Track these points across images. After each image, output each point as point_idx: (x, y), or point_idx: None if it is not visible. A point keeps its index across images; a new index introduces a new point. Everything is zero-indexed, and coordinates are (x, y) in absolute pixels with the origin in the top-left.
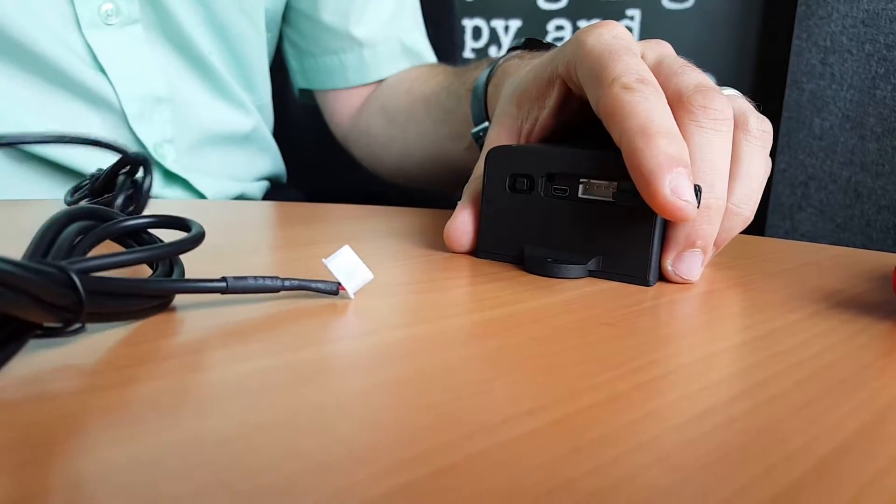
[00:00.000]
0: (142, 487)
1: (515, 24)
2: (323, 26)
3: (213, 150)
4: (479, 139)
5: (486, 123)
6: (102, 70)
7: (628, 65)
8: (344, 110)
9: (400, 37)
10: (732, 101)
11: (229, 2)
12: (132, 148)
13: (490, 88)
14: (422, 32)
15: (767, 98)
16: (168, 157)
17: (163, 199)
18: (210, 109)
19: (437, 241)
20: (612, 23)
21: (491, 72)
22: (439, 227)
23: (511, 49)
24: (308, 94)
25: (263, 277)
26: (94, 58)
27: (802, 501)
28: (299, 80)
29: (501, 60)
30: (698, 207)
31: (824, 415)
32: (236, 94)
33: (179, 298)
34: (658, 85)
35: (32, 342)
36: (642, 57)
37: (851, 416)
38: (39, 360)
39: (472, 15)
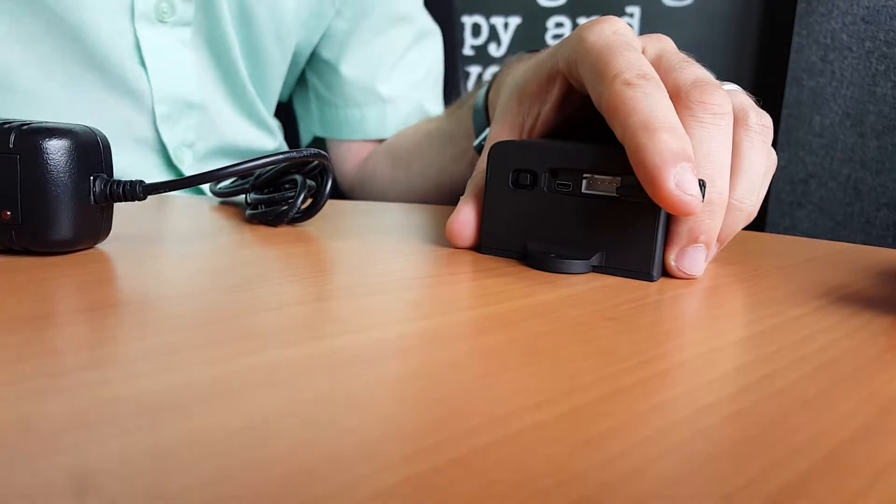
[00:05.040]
0: (150, 479)
1: (515, 21)
2: (349, 79)
3: (228, 161)
4: (481, 151)
5: (488, 131)
6: (143, 65)
7: (630, 60)
8: (354, 159)
9: (422, 102)
10: (732, 95)
11: (270, 26)
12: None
13: (491, 95)
14: (440, 102)
15: (767, 95)
16: (185, 161)
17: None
18: (233, 124)
19: (439, 237)
20: (612, 18)
21: (491, 83)
22: (441, 223)
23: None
24: (317, 143)
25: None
26: (139, 52)
27: (811, 493)
28: (316, 129)
29: (502, 68)
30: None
31: (831, 408)
32: (262, 116)
33: (186, 292)
34: (660, 80)
35: (38, 341)
36: (643, 52)
37: (858, 410)
38: (47, 352)
39: (471, 12)
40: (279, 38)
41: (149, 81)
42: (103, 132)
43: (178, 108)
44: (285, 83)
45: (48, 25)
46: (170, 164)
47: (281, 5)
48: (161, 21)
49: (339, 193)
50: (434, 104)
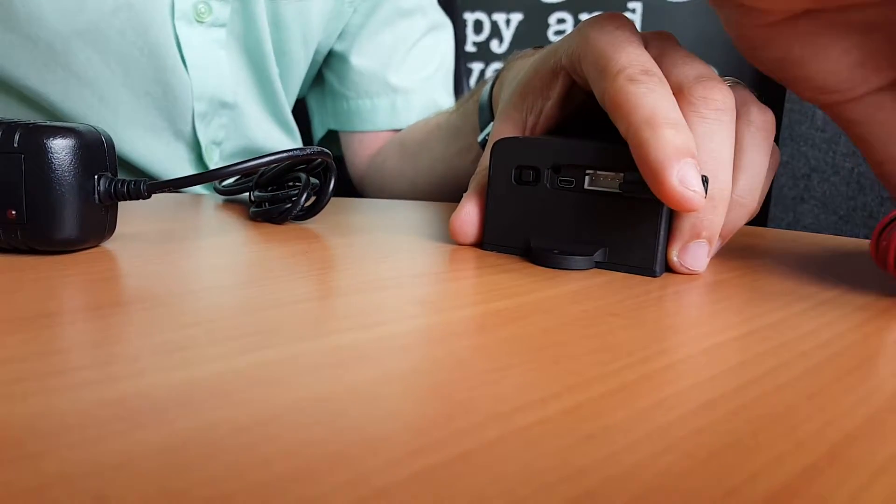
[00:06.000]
0: (157, 476)
1: (517, 17)
2: (360, 70)
3: None
4: (485, 146)
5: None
6: (184, 63)
7: (633, 56)
8: (365, 152)
9: (433, 94)
10: (734, 91)
11: (297, 30)
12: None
13: (495, 90)
14: (451, 95)
15: (769, 90)
16: (213, 158)
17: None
18: (260, 125)
19: (442, 234)
20: (614, 14)
21: (496, 79)
22: (444, 220)
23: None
24: (330, 139)
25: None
26: (180, 50)
27: (815, 487)
28: (329, 122)
29: (506, 64)
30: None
31: (835, 402)
32: (286, 118)
33: (191, 290)
34: (663, 76)
35: (44, 339)
36: (645, 48)
37: (862, 403)
38: (53, 351)
39: (473, 9)
40: (304, 42)
41: (189, 79)
42: (147, 121)
43: (214, 107)
44: (304, 82)
45: (115, 8)
46: (200, 160)
47: (308, 9)
48: (198, 21)
49: (343, 191)
50: (446, 97)
